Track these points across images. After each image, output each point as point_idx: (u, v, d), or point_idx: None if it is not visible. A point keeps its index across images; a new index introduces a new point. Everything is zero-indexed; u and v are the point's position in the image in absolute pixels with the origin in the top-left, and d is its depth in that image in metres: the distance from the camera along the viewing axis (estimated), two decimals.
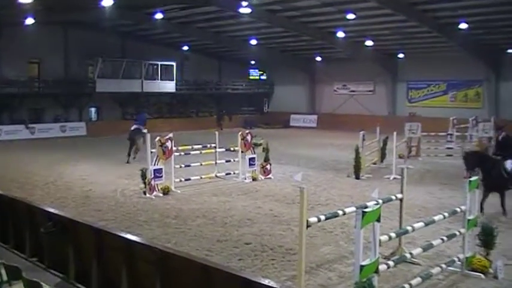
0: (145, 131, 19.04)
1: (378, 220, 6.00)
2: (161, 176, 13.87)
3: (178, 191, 14.07)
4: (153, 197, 13.34)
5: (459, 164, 13.76)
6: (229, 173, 16.28)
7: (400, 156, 18.05)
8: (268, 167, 16.49)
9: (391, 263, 6.73)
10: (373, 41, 32.18)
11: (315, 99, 41.98)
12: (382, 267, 6.27)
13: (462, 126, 23.95)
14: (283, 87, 43.11)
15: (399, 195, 8.12)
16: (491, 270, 7.71)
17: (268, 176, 16.31)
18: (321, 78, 40.77)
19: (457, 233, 7.84)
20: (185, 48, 39.47)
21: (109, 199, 13.28)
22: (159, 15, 29.19)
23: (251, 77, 45.51)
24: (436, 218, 7.66)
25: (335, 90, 40.74)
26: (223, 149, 16.42)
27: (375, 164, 18.52)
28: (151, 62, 36.68)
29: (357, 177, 16.23)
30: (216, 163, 16.18)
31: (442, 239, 7.75)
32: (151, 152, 13.83)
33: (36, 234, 8.17)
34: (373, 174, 17.07)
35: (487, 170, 10.95)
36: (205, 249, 9.04)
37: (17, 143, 27.05)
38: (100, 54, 33.55)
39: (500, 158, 11.34)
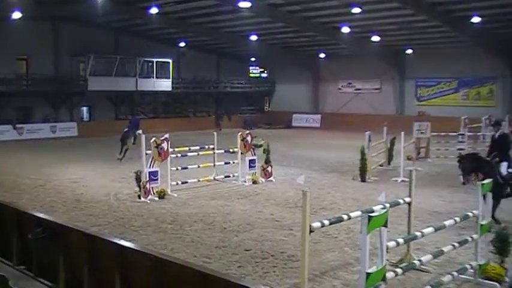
0: (139, 131, 19.24)
1: (385, 225, 5.99)
2: (157, 179, 13.86)
3: (175, 195, 14.06)
4: (148, 201, 13.33)
5: None
6: (229, 176, 16.27)
7: (409, 158, 18.05)
8: (269, 169, 16.49)
9: (399, 270, 6.71)
10: (379, 36, 32.21)
11: (318, 98, 42.03)
12: (389, 274, 6.25)
13: (474, 125, 23.95)
14: (285, 85, 43.15)
15: (407, 199, 8.11)
16: (506, 279, 7.65)
17: (269, 179, 16.31)
18: (325, 75, 40.82)
19: (470, 239, 7.81)
20: (182, 44, 39.55)
21: (102, 203, 13.26)
22: (154, 10, 29.20)
23: (251, 75, 45.58)
24: (446, 223, 7.64)
25: (339, 89, 40.79)
26: (222, 151, 16.43)
27: (381, 166, 18.54)
28: (146, 58, 36.73)
29: (363, 180, 16.22)
30: (214, 165, 16.19)
31: (453, 245, 7.72)
32: (146, 154, 13.84)
33: (24, 241, 8.16)
34: (380, 176, 17.07)
35: (484, 174, 10.21)
36: (203, 255, 9.04)
37: (4, 145, 26.99)
38: (92, 50, 33.59)
39: (496, 160, 10.78)
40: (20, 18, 27.92)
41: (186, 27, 35.08)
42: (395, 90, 37.62)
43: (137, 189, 13.77)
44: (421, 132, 19.61)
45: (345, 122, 36.85)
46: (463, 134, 23.43)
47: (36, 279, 7.91)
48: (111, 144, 23.11)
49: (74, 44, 33.32)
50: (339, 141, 29.10)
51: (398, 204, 7.96)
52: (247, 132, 17.10)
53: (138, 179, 13.70)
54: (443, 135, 22.23)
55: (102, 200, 13.61)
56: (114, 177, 17.06)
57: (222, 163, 16.37)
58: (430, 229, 7.40)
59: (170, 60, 38.14)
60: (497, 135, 11.65)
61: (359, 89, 39.61)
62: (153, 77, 37.40)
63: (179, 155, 15.83)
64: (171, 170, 14.49)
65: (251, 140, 16.46)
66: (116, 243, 6.90)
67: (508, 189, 10.80)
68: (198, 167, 16.00)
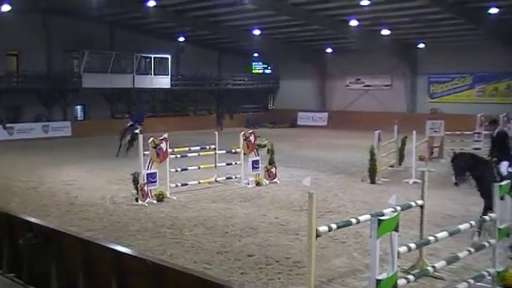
0: (137, 131, 19.34)
1: (396, 229, 5.97)
2: (155, 181, 13.87)
3: (174, 198, 14.07)
4: (146, 204, 13.35)
5: None
6: (230, 178, 16.28)
7: (421, 158, 18.02)
8: (273, 170, 16.49)
9: (411, 277, 6.70)
10: (390, 29, 32.20)
11: (325, 95, 42.04)
12: (401, 282, 6.24)
13: None
14: (290, 82, 43.17)
15: (419, 202, 8.10)
16: None
17: (273, 181, 16.32)
18: (332, 71, 40.82)
19: (487, 244, 7.78)
20: (181, 39, 39.58)
21: (97, 207, 13.29)
22: (151, 3, 29.29)
23: (254, 71, 45.61)
24: (461, 227, 7.62)
25: (347, 85, 40.80)
26: (224, 151, 16.44)
27: (392, 166, 18.54)
28: (143, 54, 36.82)
29: (372, 182, 16.21)
30: (215, 166, 16.20)
31: (469, 251, 7.68)
32: (144, 155, 13.85)
33: (15, 247, 8.17)
34: (390, 178, 17.06)
35: (480, 174, 10.15)
36: (204, 261, 9.04)
37: None
38: (86, 46, 33.68)
39: (495, 159, 10.68)
40: (9, 11, 27.95)
41: (185, 20, 35.08)
42: (407, 86, 37.58)
43: (134, 191, 13.79)
44: (434, 131, 19.57)
45: (353, 121, 36.84)
46: (479, 133, 23.35)
47: (27, 287, 7.90)
48: (107, 144, 23.17)
49: (67, 39, 33.39)
50: (346, 140, 29.10)
51: (410, 207, 7.95)
52: (250, 131, 17.10)
53: (135, 181, 13.72)
54: (458, 134, 22.19)
55: (98, 203, 13.63)
56: (110, 179, 17.10)
57: (224, 164, 16.37)
58: (444, 233, 7.37)
59: (169, 56, 38.18)
60: (495, 133, 11.65)
61: (368, 86, 39.59)
62: (151, 74, 37.46)
63: (179, 155, 15.83)
64: (170, 171, 14.47)
65: (254, 140, 16.46)
66: (112, 249, 6.89)
67: None
68: (199, 168, 16.00)
